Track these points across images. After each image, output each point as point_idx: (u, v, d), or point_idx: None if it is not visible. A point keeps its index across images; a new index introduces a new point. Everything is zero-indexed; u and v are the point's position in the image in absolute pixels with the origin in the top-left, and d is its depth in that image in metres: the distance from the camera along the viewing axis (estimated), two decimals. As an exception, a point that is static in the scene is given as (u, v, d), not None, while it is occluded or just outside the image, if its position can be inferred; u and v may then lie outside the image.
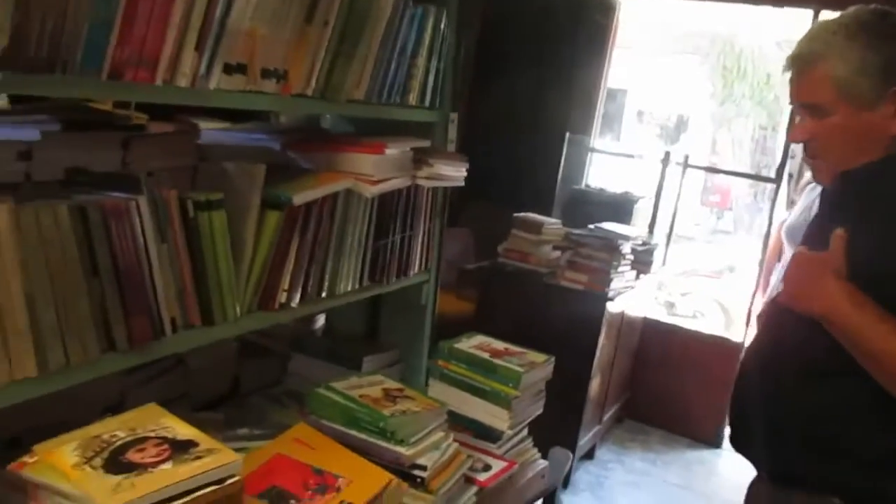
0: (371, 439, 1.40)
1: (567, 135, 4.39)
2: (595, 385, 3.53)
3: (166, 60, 1.13)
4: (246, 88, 1.28)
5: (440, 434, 1.50)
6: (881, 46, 1.26)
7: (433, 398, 1.63)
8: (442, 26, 1.75)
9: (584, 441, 3.58)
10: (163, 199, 1.20)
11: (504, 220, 3.76)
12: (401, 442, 1.39)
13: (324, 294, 1.52)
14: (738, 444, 1.51)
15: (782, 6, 4.26)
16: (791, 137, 1.37)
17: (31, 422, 1.16)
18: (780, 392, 1.37)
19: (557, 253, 3.60)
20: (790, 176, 4.07)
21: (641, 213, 4.18)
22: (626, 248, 3.50)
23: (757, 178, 4.73)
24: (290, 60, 1.36)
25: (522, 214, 3.66)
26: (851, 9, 1.32)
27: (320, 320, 2.09)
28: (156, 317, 1.19)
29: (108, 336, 1.12)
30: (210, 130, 1.77)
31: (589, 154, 4.61)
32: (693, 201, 9.71)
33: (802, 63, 1.32)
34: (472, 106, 4.77)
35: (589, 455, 3.84)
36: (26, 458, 0.99)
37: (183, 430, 1.08)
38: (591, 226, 3.57)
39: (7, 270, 0.99)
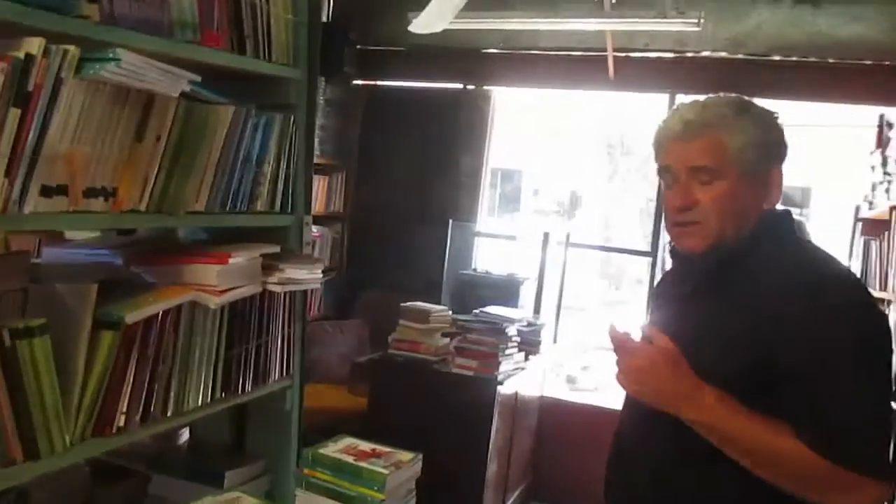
0: (221, 565, 1.33)
1: (451, 221, 4.48)
2: (493, 470, 3.50)
3: (-30, 189, 1.09)
4: (68, 210, 1.26)
5: (297, 550, 1.44)
6: (764, 127, 1.36)
7: (297, 510, 1.57)
8: (290, 132, 1.77)
9: (485, 530, 3.51)
10: (-26, 331, 1.14)
11: (398, 309, 3.76)
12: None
13: (170, 412, 1.47)
14: None
15: (643, 92, 4.58)
16: (676, 202, 1.37)
17: None
18: (664, 482, 1.38)
19: (447, 340, 3.60)
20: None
21: (530, 293, 4.27)
22: (511, 330, 3.55)
23: (632, 252, 4.90)
24: (120, 178, 1.35)
25: (409, 304, 3.66)
26: (722, 94, 1.40)
27: (185, 434, 2.00)
28: (-34, 457, 1.11)
29: None
30: (51, 249, 1.72)
31: (474, 238, 4.71)
32: (591, 276, 10.02)
33: (697, 128, 1.34)
34: (359, 198, 4.83)
35: (494, 543, 3.77)
36: None
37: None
38: (477, 310, 3.61)
39: None
